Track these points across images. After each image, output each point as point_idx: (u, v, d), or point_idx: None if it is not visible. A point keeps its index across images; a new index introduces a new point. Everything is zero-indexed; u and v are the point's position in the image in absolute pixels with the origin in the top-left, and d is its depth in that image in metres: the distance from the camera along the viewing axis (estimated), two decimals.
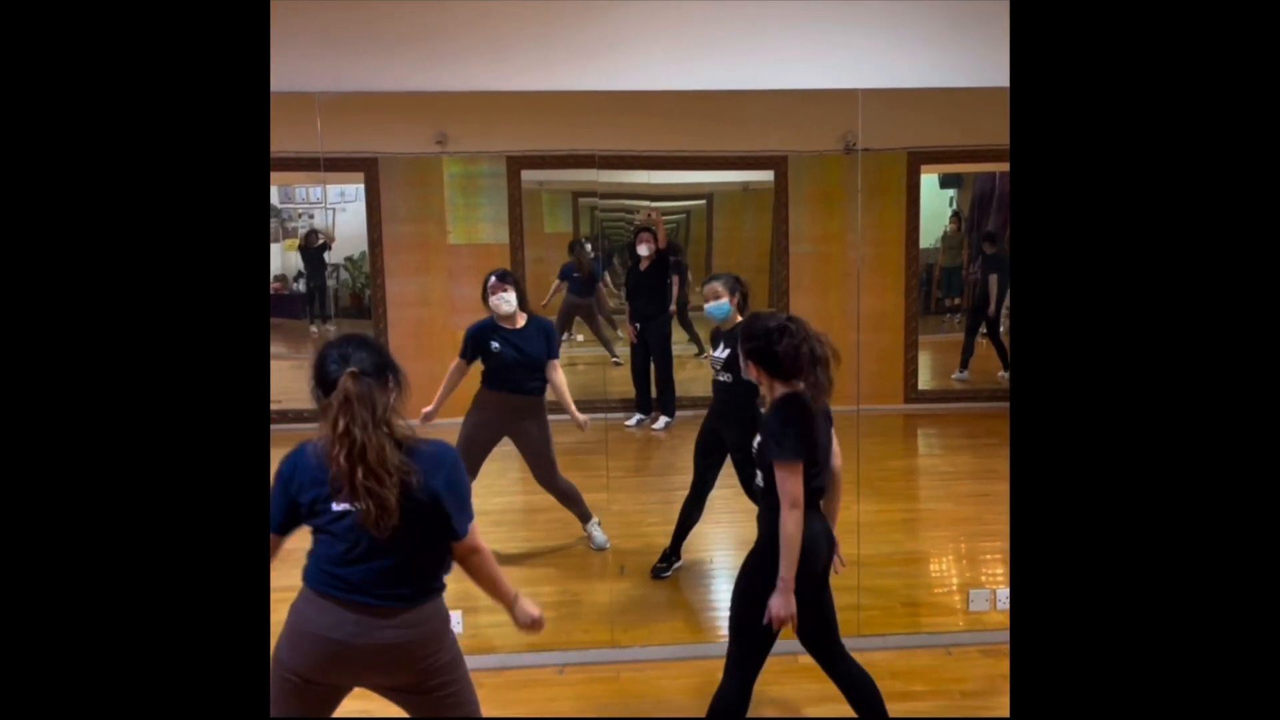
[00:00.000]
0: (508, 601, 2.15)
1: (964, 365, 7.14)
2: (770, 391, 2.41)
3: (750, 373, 2.43)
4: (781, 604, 2.27)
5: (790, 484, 2.27)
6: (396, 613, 1.93)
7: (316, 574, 1.95)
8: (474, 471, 3.93)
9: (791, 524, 2.25)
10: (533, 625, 2.18)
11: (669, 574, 3.89)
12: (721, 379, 3.68)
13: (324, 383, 1.93)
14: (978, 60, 3.69)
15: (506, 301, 3.89)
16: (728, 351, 3.59)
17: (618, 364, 6.94)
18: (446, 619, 2.06)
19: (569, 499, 4.10)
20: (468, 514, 2.00)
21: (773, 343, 2.33)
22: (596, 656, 3.26)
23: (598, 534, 4.15)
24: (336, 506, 1.91)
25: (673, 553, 3.91)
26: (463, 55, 3.58)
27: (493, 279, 3.95)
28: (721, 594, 3.90)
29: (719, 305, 3.63)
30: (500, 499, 4.65)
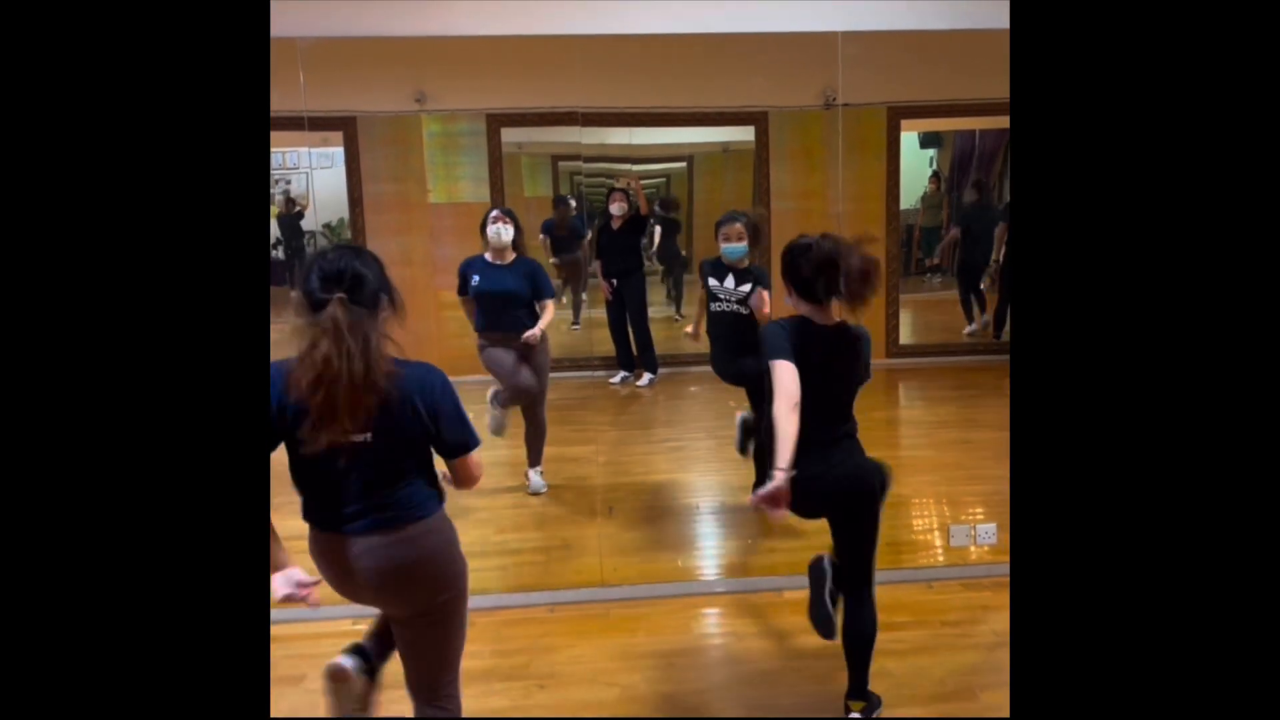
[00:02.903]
0: None
1: (970, 318, 7.23)
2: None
3: (789, 297, 2.41)
4: (768, 493, 2.20)
5: (779, 379, 2.27)
6: (395, 529, 1.89)
7: (317, 512, 1.93)
8: (522, 383, 4.02)
9: (778, 416, 2.25)
10: None
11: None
12: (727, 309, 3.71)
13: (310, 301, 1.78)
14: (956, 2, 3.72)
15: (504, 231, 3.93)
16: (747, 285, 3.65)
17: (575, 329, 6.97)
18: (452, 540, 2.01)
19: (536, 436, 4.18)
20: (468, 432, 1.93)
21: (797, 260, 2.32)
22: (587, 595, 3.32)
23: (536, 479, 4.24)
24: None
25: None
26: (443, 2, 3.57)
27: (495, 211, 4.00)
28: (705, 536, 3.96)
29: (741, 247, 3.66)
30: (489, 452, 4.67)
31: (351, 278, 1.79)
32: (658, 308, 7.00)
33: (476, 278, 3.98)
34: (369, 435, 1.83)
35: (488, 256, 4.02)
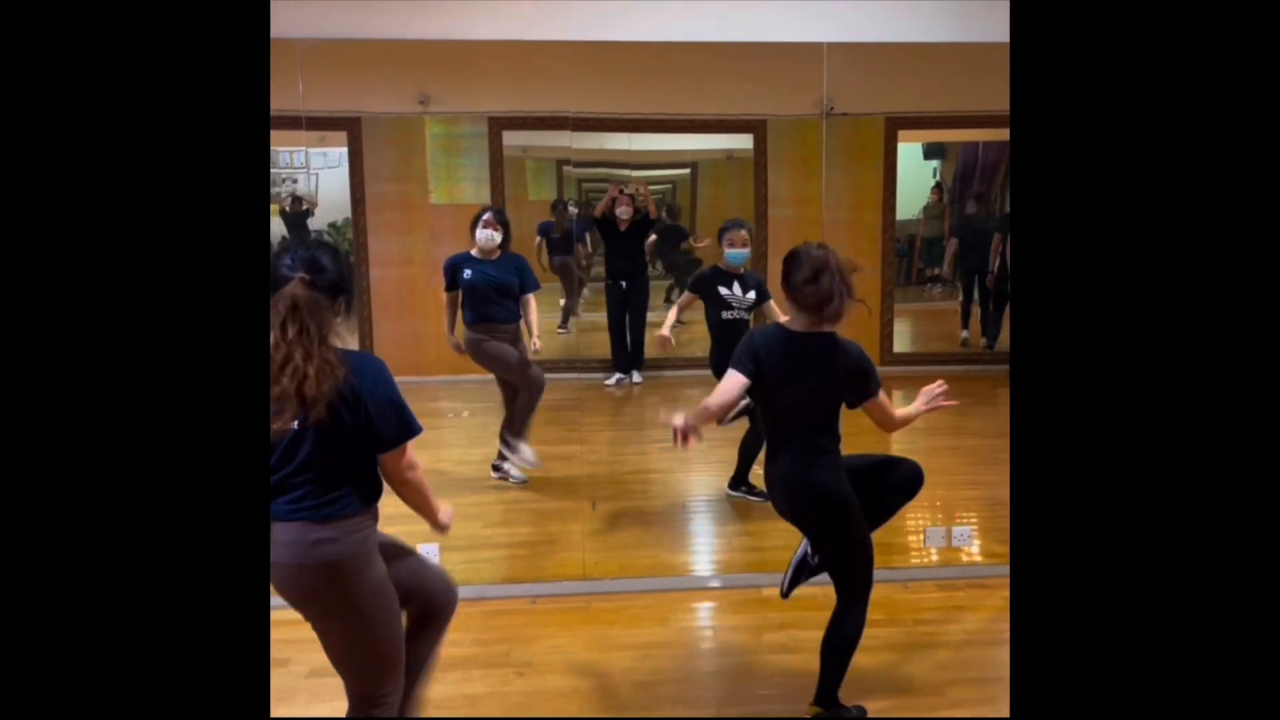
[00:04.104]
0: (434, 521, 2.10)
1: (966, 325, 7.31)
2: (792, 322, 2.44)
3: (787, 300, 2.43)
4: (681, 418, 2.26)
5: (721, 384, 2.40)
6: (330, 522, 1.87)
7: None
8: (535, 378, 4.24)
9: (705, 404, 2.35)
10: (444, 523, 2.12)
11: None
12: (739, 317, 3.93)
13: (274, 279, 1.81)
14: (953, 15, 3.78)
15: (494, 236, 4.13)
16: (752, 292, 3.91)
17: (562, 333, 7.06)
18: (372, 543, 1.96)
19: (528, 410, 4.30)
20: (401, 423, 1.90)
21: (788, 266, 2.39)
22: (569, 589, 3.39)
23: (528, 451, 4.36)
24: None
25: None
26: (443, 5, 3.66)
27: (487, 214, 4.17)
28: (686, 534, 4.02)
29: (745, 252, 3.92)
30: (480, 450, 4.76)
31: (318, 267, 1.86)
32: (656, 312, 7.12)
33: (468, 271, 4.16)
34: (322, 420, 1.83)
35: (474, 254, 4.20)
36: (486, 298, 4.16)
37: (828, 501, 2.40)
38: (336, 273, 1.88)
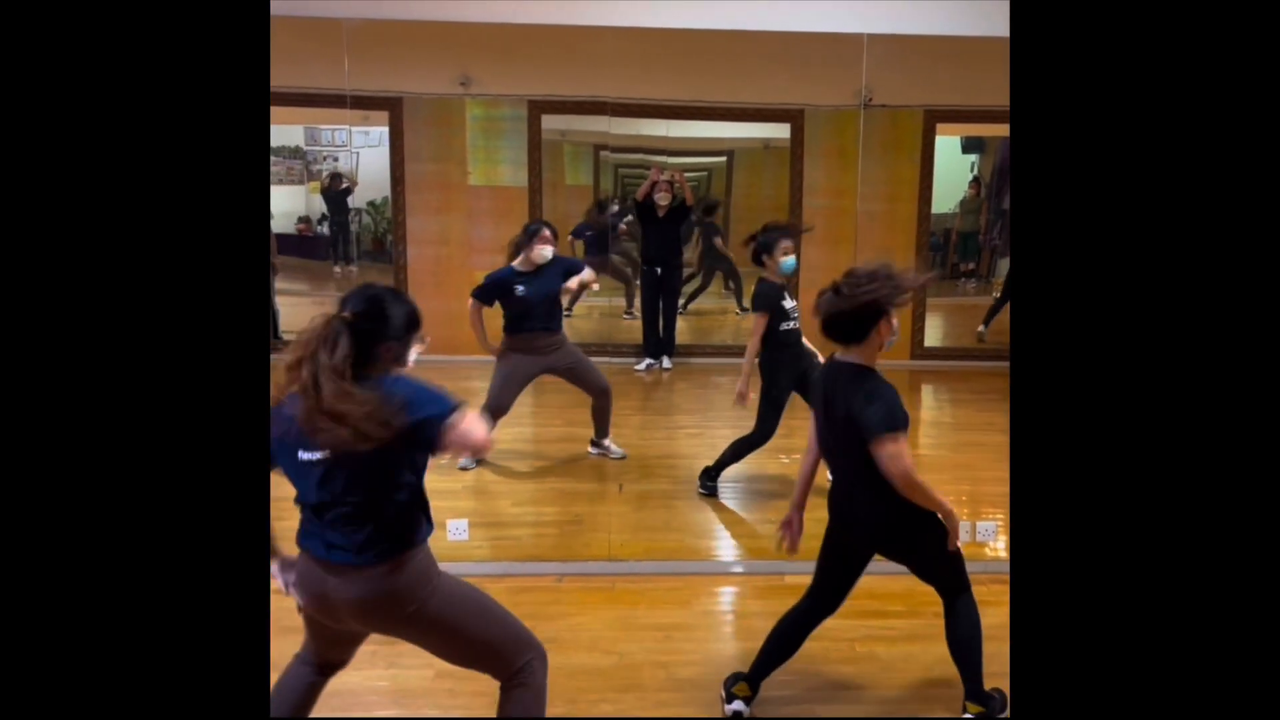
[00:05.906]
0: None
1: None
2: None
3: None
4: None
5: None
6: (369, 570, 1.84)
7: (301, 528, 1.91)
8: (508, 406, 4.24)
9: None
10: None
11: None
12: (796, 326, 3.92)
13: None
14: (995, 9, 3.76)
15: (548, 251, 4.16)
16: (795, 300, 3.95)
17: (628, 317, 7.13)
18: (426, 574, 1.92)
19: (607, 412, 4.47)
20: (436, 403, 1.78)
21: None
22: (594, 569, 3.44)
23: (614, 447, 4.56)
24: (304, 455, 1.81)
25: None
26: None
27: (545, 230, 4.19)
28: (712, 519, 4.05)
29: (795, 259, 3.89)
30: (511, 430, 4.83)
31: (360, 309, 1.83)
32: (713, 299, 7.25)
33: (520, 288, 4.15)
34: (325, 453, 1.80)
35: (519, 267, 4.18)
36: (538, 309, 4.19)
37: (871, 540, 2.55)
38: (377, 314, 1.84)
